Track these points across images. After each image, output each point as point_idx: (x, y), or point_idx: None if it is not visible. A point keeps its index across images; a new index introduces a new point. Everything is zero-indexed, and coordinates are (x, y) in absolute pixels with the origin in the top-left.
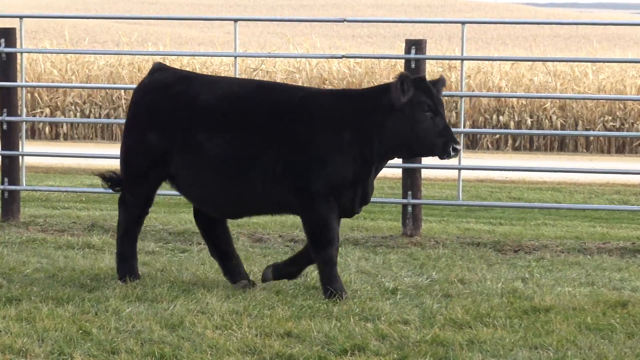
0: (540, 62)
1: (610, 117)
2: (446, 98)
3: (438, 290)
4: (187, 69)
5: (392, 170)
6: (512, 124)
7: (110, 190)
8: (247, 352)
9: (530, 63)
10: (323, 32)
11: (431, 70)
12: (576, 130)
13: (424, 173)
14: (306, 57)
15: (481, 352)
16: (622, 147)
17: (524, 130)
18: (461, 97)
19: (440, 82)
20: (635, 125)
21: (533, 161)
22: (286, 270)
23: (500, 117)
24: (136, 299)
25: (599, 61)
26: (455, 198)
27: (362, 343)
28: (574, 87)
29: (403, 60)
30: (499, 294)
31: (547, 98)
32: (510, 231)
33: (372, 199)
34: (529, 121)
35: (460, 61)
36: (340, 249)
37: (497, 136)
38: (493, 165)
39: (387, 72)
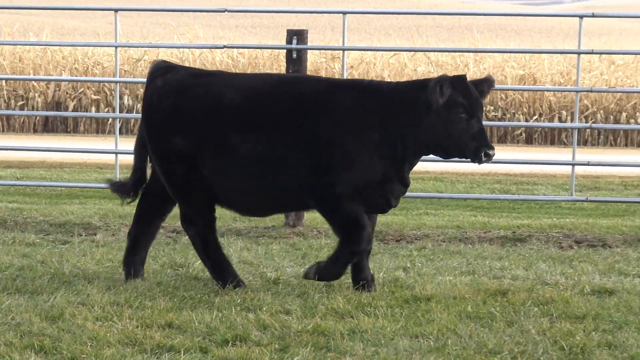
0: (422, 53)
1: (492, 107)
2: None
3: None
4: (69, 59)
5: None
6: None
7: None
8: (127, 343)
9: (412, 53)
10: (207, 22)
11: (314, 61)
12: None
13: None
14: (188, 47)
15: (362, 342)
16: (504, 137)
17: None
18: None
19: (485, 83)
20: (516, 115)
21: None
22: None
23: None
24: (16, 291)
25: (480, 51)
26: None
27: (243, 333)
28: None
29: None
30: (380, 283)
31: None
32: (392, 221)
33: None
34: None
35: (342, 51)
36: (222, 239)
37: None
38: None
39: (271, 62)
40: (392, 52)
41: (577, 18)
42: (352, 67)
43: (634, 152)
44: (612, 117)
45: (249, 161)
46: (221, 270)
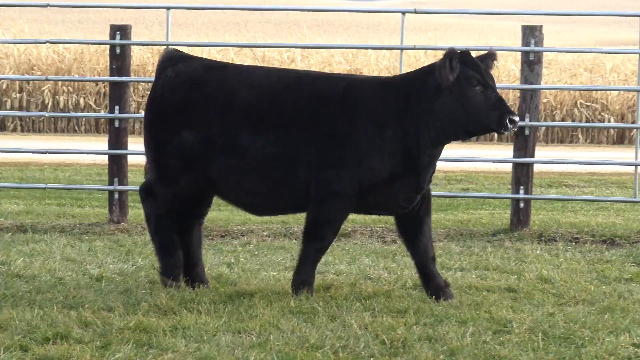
0: (249, 48)
1: None
2: None
3: (144, 277)
4: None
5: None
6: None
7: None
8: None
9: (239, 49)
10: (33, 17)
11: (141, 56)
12: None
13: (130, 159)
14: (11, 42)
15: (184, 338)
16: None
17: None
18: None
19: (489, 57)
20: None
21: None
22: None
23: None
24: None
25: (307, 47)
26: None
27: (64, 331)
28: None
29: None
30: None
31: None
32: (217, 217)
33: (78, 185)
34: None
35: (166, 47)
36: (45, 236)
37: None
38: None
39: (97, 57)
40: (220, 48)
41: (401, 14)
42: None
43: (459, 148)
44: None
45: (263, 160)
46: (167, 253)
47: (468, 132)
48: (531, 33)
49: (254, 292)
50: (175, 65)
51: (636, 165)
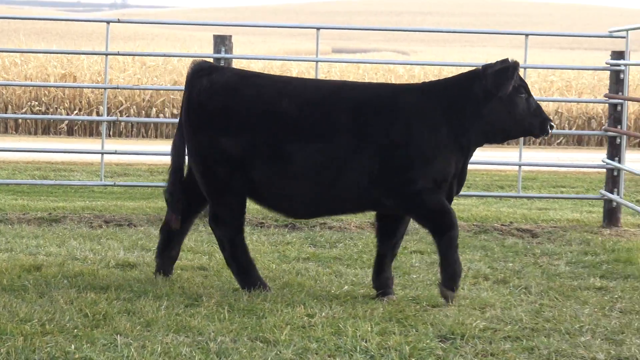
0: None
1: (36, 102)
2: None
3: None
4: None
5: None
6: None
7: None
8: None
9: None
10: None
11: None
12: (6, 113)
13: None
14: None
15: None
16: (47, 129)
17: None
18: None
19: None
20: (58, 109)
21: None
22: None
23: None
24: None
25: (24, 52)
26: None
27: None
28: (3, 75)
29: None
30: None
31: None
32: None
33: None
34: None
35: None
36: None
37: None
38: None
39: None
40: None
41: (105, 23)
42: None
43: (161, 143)
44: (144, 111)
45: (307, 168)
46: (246, 274)
47: (507, 136)
48: (222, 42)
49: None
50: (209, 75)
51: None
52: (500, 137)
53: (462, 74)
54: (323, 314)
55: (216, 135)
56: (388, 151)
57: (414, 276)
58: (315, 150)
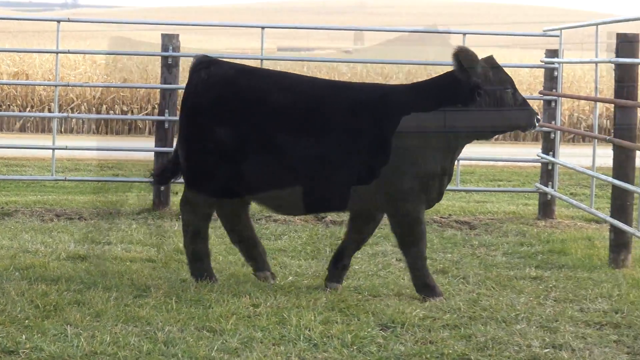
0: None
1: None
2: None
3: None
4: None
5: None
6: None
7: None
8: None
9: None
10: None
11: None
12: None
13: None
14: None
15: None
16: (1, 127)
17: None
18: None
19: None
20: (11, 107)
21: None
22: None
23: None
24: None
25: None
26: None
27: None
28: None
29: None
30: None
31: None
32: None
33: None
34: None
35: None
36: None
37: None
38: None
39: None
40: None
41: (56, 22)
42: None
43: (111, 139)
44: (94, 108)
45: (295, 163)
46: (199, 262)
47: (496, 131)
48: (169, 40)
49: None
50: (207, 68)
51: None
52: (488, 132)
53: (449, 72)
54: (268, 304)
55: (210, 125)
56: (377, 150)
57: (356, 267)
58: (306, 146)
